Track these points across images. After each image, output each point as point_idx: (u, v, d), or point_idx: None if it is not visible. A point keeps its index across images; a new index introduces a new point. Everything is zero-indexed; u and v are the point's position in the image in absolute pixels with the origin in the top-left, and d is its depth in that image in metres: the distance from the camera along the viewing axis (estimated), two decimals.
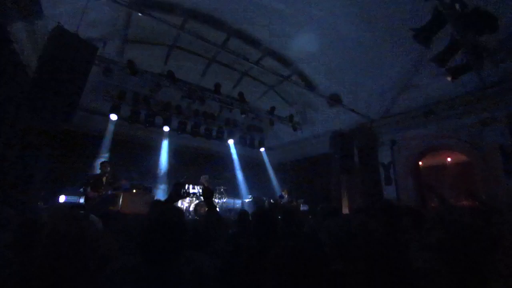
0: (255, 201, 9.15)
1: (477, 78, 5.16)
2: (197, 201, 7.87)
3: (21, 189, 5.30)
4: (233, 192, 10.32)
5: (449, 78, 4.81)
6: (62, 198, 7.04)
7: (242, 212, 3.88)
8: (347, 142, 8.08)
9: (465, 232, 0.88)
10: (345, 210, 8.30)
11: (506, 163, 5.57)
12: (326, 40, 6.32)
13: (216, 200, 8.54)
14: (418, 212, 2.84)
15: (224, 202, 8.99)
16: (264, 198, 9.36)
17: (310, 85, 7.80)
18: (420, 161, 7.97)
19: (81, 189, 5.68)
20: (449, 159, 10.46)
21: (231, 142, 10.33)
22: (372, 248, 1.81)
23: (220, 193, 8.83)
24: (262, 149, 11.12)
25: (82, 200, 5.89)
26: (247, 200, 9.63)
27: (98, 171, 6.05)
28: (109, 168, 5.93)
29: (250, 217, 3.81)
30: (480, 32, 3.76)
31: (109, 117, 7.84)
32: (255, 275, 1.24)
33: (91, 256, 0.83)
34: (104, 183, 5.69)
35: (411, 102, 7.17)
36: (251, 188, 10.99)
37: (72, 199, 6.85)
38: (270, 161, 11.63)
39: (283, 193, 9.14)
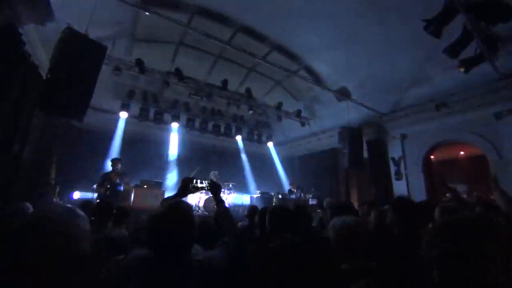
0: (263, 197, 9.20)
1: (491, 69, 4.99)
2: (206, 197, 7.98)
3: (38, 186, 5.51)
4: (242, 187, 10.41)
5: (461, 70, 4.68)
6: (76, 194, 7.28)
7: (251, 207, 3.94)
8: (356, 137, 7.98)
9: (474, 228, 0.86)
10: (354, 205, 8.24)
11: None
12: (334, 33, 6.23)
13: (225, 196, 8.63)
14: (433, 207, 2.79)
15: (233, 197, 9.08)
16: (273, 193, 9.40)
17: (318, 80, 7.72)
18: (431, 155, 7.80)
19: (94, 186, 5.89)
20: (462, 153, 10.21)
21: (239, 138, 10.39)
22: (386, 247, 1.79)
23: (229, 189, 8.91)
24: (270, 144, 11.13)
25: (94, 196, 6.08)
26: (255, 196, 9.69)
27: (111, 168, 6.22)
28: (119, 165, 6.09)
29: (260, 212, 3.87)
30: (493, 21, 3.64)
31: (119, 115, 8.03)
32: (262, 270, 1.27)
33: (69, 258, 0.77)
34: (113, 179, 5.87)
35: (422, 95, 7.00)
36: (259, 183, 11.05)
37: (86, 195, 7.06)
38: (278, 156, 11.64)
39: (291, 187, 9.14)
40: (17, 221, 0.79)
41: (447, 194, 6.52)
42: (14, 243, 0.75)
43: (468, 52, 4.39)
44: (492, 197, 6.11)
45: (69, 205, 0.90)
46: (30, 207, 2.43)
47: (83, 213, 0.88)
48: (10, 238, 0.75)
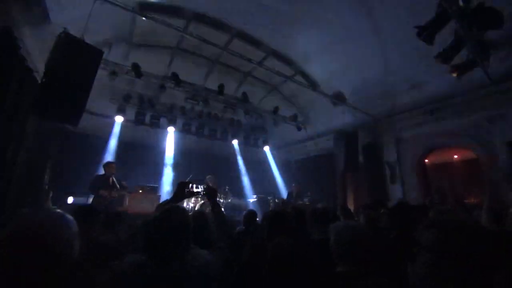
0: (260, 201, 9.17)
1: (483, 74, 5.09)
2: (202, 201, 7.92)
3: (31, 192, 5.43)
4: (238, 192, 10.37)
5: (454, 75, 4.75)
6: (70, 199, 7.16)
7: (248, 212, 3.91)
8: (352, 141, 8.04)
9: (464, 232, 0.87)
10: (351, 208, 8.25)
11: None
12: (329, 39, 6.32)
13: (221, 200, 8.58)
14: (428, 209, 2.82)
15: (229, 202, 9.03)
16: (269, 198, 9.37)
17: (313, 84, 7.79)
18: (426, 159, 7.89)
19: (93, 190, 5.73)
20: (455, 157, 10.34)
21: (235, 142, 10.39)
22: (383, 250, 1.80)
23: (225, 193, 8.87)
24: (266, 149, 11.15)
25: (90, 201, 5.98)
26: (252, 200, 9.66)
27: (102, 171, 6.09)
28: (114, 169, 6.00)
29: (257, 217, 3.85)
30: (485, 28, 3.72)
31: (115, 119, 7.98)
32: (258, 274, 1.26)
33: (59, 263, 0.78)
34: (111, 184, 5.78)
35: (417, 99, 7.11)
36: (255, 188, 11.03)
37: (80, 200, 6.96)
38: (274, 160, 11.64)
39: (293, 188, 9.05)
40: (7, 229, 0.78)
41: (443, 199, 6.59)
42: (5, 250, 0.74)
43: (461, 57, 4.48)
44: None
45: (58, 210, 0.89)
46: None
47: (71, 217, 0.88)
48: (1, 246, 0.75)
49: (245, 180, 11.34)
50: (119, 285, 1.09)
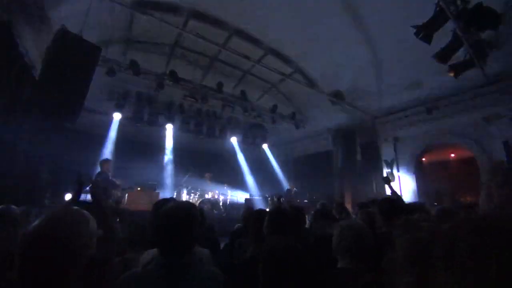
0: (259, 199, 9.20)
1: (480, 74, 5.13)
2: (200, 199, 7.98)
3: (28, 188, 5.41)
4: (237, 189, 10.39)
5: (451, 75, 4.79)
6: (68, 196, 7.13)
7: (247, 210, 3.93)
8: (350, 139, 8.09)
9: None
10: (348, 207, 8.31)
11: (510, 159, 5.54)
12: (328, 38, 6.31)
13: (220, 197, 8.66)
14: (424, 208, 2.86)
15: (228, 199, 9.07)
16: (267, 195, 9.40)
17: (312, 83, 7.80)
18: (423, 157, 7.95)
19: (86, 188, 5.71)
20: (452, 155, 10.41)
21: (233, 140, 10.39)
22: (380, 247, 1.84)
23: (224, 191, 8.92)
24: (265, 146, 11.16)
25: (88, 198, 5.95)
26: (251, 198, 9.68)
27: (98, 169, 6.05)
28: (110, 167, 5.98)
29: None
30: (482, 28, 3.75)
31: (113, 117, 7.95)
32: (256, 271, 1.28)
33: (81, 257, 0.82)
34: (111, 181, 5.78)
35: (414, 98, 7.15)
36: (255, 185, 11.05)
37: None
38: (274, 158, 11.66)
39: (290, 186, 9.09)
40: (31, 227, 0.82)
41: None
42: (32, 244, 0.77)
43: (458, 57, 4.52)
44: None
45: (75, 207, 0.93)
46: (16, 209, 2.40)
47: (89, 214, 0.92)
48: (26, 244, 0.78)
49: (244, 178, 11.36)
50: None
